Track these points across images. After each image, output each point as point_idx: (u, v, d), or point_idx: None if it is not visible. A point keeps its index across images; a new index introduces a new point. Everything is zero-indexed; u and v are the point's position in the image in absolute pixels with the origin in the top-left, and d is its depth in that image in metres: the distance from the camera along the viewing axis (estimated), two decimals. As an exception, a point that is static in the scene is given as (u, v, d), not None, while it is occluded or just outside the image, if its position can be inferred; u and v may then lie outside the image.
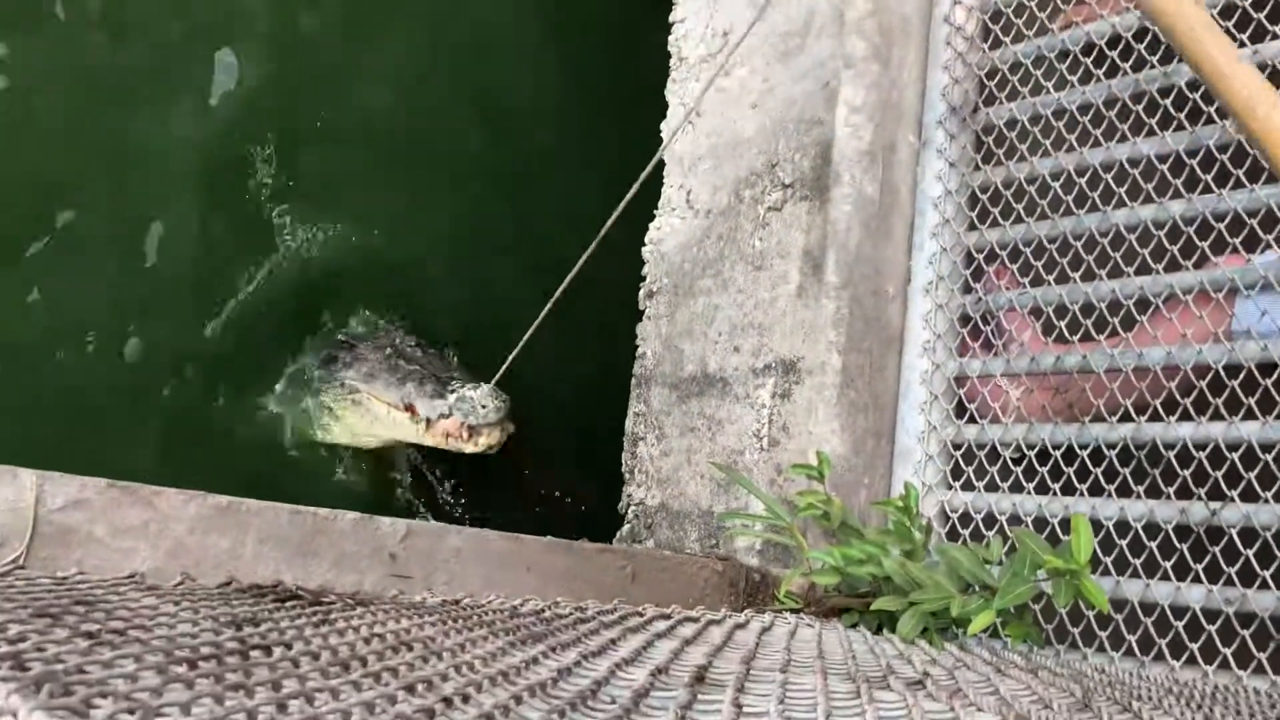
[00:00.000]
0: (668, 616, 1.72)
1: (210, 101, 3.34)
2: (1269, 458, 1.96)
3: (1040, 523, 2.24)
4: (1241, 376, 2.05)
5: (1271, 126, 1.19)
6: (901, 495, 2.26)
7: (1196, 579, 2.01)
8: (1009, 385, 2.43)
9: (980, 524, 2.35)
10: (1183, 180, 2.23)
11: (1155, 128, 2.30)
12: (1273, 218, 2.09)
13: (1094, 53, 2.45)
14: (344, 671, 0.92)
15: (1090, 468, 2.22)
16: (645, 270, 2.98)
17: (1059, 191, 2.43)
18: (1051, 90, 2.50)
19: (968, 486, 2.40)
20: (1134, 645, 2.04)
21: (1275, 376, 2.02)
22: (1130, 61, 2.36)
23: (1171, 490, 2.09)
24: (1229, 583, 1.96)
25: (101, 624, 0.99)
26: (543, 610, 1.58)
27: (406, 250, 3.61)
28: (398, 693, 0.84)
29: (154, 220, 3.20)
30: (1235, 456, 2.01)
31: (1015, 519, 2.29)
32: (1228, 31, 2.13)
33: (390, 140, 3.66)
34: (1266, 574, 1.92)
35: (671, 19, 3.04)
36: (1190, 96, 2.23)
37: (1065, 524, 2.18)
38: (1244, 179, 2.13)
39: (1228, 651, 1.91)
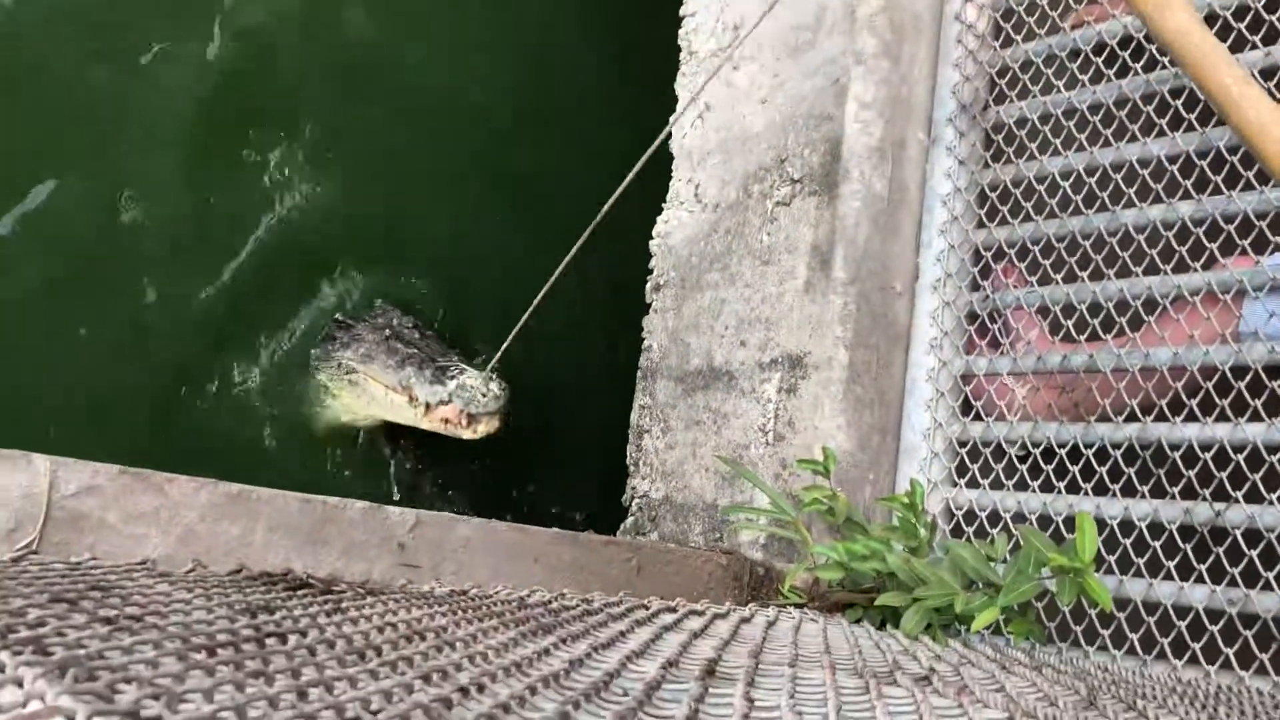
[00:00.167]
0: (673, 610, 1.73)
1: (210, 82, 3.33)
2: (1274, 459, 1.97)
3: (1045, 521, 2.25)
4: (1248, 378, 2.06)
5: None
6: (907, 492, 2.26)
7: (1200, 579, 2.02)
8: (1015, 383, 2.44)
9: (985, 521, 2.35)
10: (1192, 181, 2.23)
11: (1165, 128, 2.30)
12: (1282, 220, 2.10)
13: (1105, 52, 2.45)
14: (360, 660, 0.93)
15: (1095, 467, 2.23)
16: (652, 263, 2.99)
17: (1068, 190, 2.44)
18: (1062, 89, 2.50)
19: (973, 484, 2.41)
20: (1136, 644, 2.05)
21: (1282, 379, 2.03)
22: (1142, 62, 2.36)
23: (1176, 490, 2.10)
24: (1232, 583, 1.97)
25: (118, 610, 1.00)
26: (550, 601, 1.59)
27: (408, 233, 3.61)
28: (414, 682, 0.85)
29: (144, 193, 3.19)
30: (1240, 458, 2.02)
31: (1020, 517, 2.29)
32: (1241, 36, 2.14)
33: (395, 120, 3.65)
34: (1270, 575, 1.93)
35: (682, 12, 3.04)
36: (1201, 98, 2.22)
37: (1069, 522, 2.19)
38: (1254, 181, 2.14)
39: (1230, 652, 1.92)
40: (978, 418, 2.50)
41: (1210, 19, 2.26)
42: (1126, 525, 2.14)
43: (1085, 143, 2.44)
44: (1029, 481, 2.31)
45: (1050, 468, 2.29)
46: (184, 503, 1.54)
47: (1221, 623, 1.96)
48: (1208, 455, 2.07)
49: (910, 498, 2.21)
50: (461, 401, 2.96)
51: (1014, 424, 2.37)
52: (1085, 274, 2.36)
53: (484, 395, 2.95)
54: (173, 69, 3.26)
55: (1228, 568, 1.98)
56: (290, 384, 3.33)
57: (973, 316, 2.55)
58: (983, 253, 2.56)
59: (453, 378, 2.99)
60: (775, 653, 1.39)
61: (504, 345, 2.86)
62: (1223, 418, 2.07)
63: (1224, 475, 2.02)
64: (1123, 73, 2.40)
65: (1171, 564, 2.05)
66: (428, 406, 3.03)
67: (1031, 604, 2.03)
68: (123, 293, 3.11)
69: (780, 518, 2.29)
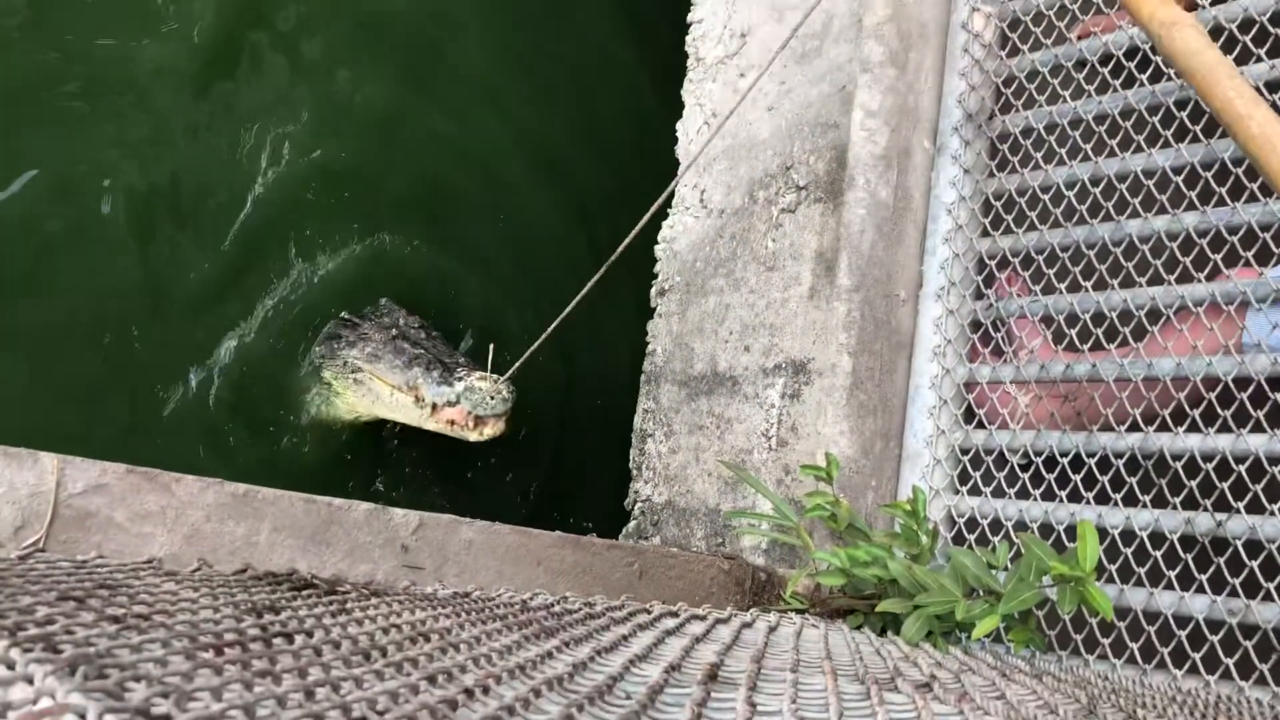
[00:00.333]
0: (676, 614, 1.74)
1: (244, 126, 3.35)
2: (1276, 471, 1.97)
3: (1046, 529, 2.25)
4: (1251, 389, 2.07)
5: None
6: (909, 499, 2.27)
7: (1200, 589, 2.02)
8: (1018, 392, 2.45)
9: (986, 529, 2.36)
10: (1197, 193, 2.24)
11: (1171, 139, 2.31)
12: (1286, 232, 2.10)
13: (1111, 63, 2.45)
14: (365, 661, 0.94)
15: (1097, 476, 2.23)
16: (657, 268, 3.00)
17: (1073, 200, 2.44)
18: (1068, 99, 2.51)
19: (975, 491, 2.41)
20: (1136, 653, 2.05)
21: (1284, 390, 2.03)
22: (1147, 73, 2.36)
23: (1178, 500, 2.10)
24: (1233, 594, 1.98)
25: (126, 608, 1.01)
26: (553, 605, 1.60)
27: (414, 238, 3.62)
28: (420, 683, 0.86)
29: (151, 199, 3.20)
30: (1242, 469, 2.03)
31: (1021, 525, 2.30)
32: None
33: (400, 129, 3.67)
34: (1270, 586, 1.93)
35: (689, 19, 3.05)
36: (1206, 110, 2.23)
37: (1071, 531, 2.19)
38: (1258, 193, 2.14)
39: (1230, 662, 1.93)
40: (980, 425, 2.50)
41: (1215, 32, 2.27)
42: (1128, 534, 2.14)
43: (1090, 153, 2.44)
44: (1031, 490, 2.32)
45: (1052, 476, 2.29)
46: (190, 502, 1.55)
47: (1222, 633, 1.96)
48: (1210, 466, 2.07)
49: (912, 505, 2.21)
50: (470, 403, 2.96)
51: (1016, 432, 2.38)
52: (1089, 284, 2.37)
53: (492, 398, 2.95)
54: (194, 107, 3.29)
55: (1228, 578, 1.98)
56: (293, 381, 3.34)
57: (976, 324, 2.55)
58: (987, 261, 2.57)
59: (460, 379, 2.99)
60: (777, 658, 1.40)
61: (520, 360, 2.87)
62: (1225, 428, 2.07)
63: (1226, 486, 2.03)
64: (1128, 83, 2.41)
65: (1172, 574, 2.05)
66: (434, 407, 3.04)
67: (1032, 612, 2.04)
68: (125, 292, 3.12)
69: (782, 523, 2.30)
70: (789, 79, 2.75)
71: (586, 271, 2.63)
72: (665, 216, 3.01)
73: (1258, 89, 2.12)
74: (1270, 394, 2.04)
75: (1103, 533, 2.12)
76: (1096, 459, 2.25)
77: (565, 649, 1.20)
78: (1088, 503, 2.23)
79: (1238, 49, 2.23)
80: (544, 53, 4.02)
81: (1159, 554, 2.08)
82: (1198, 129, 2.25)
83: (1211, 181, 2.22)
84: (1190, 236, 2.24)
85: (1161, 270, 2.26)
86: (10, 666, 0.71)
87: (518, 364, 2.91)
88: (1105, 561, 2.08)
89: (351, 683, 0.84)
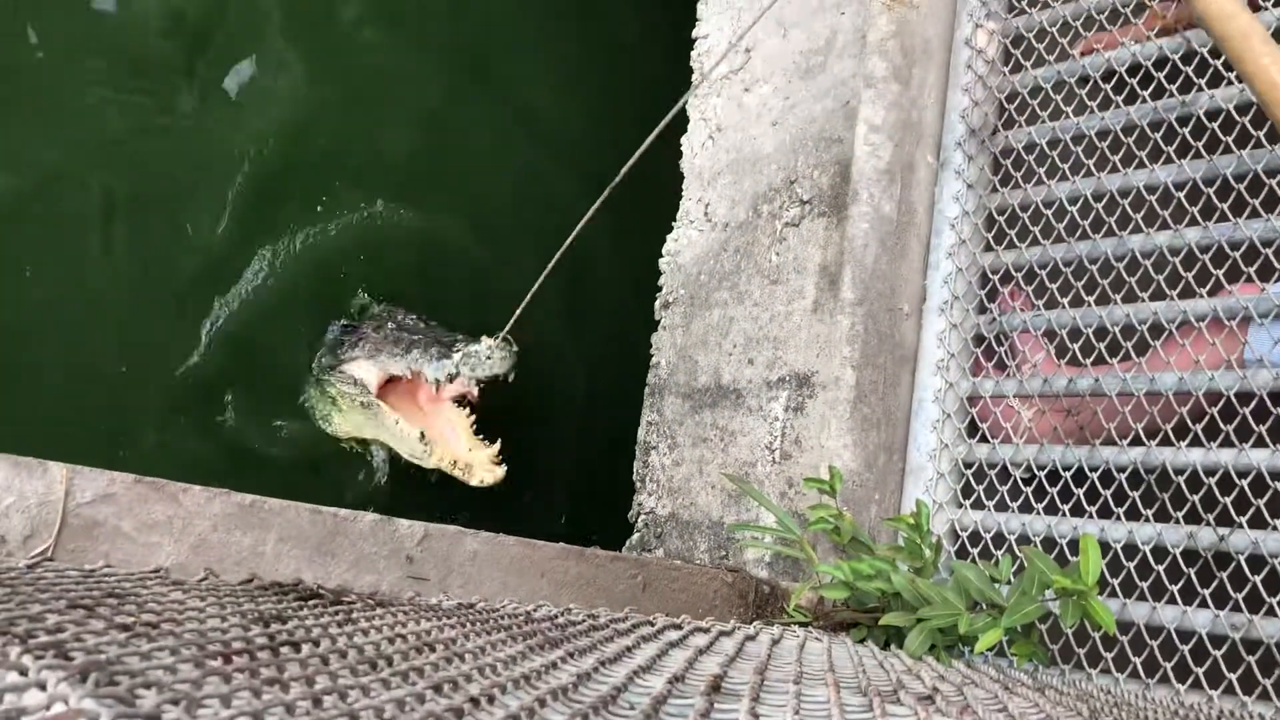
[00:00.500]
0: (679, 626, 1.75)
1: (231, 98, 3.37)
2: (1278, 485, 1.98)
3: (1049, 543, 2.26)
4: (1253, 404, 2.07)
5: None
6: (912, 512, 2.27)
7: (1203, 604, 2.02)
8: (1021, 406, 2.45)
9: (990, 543, 2.36)
10: (1199, 208, 2.24)
11: (1173, 155, 2.32)
12: (1288, 247, 2.11)
13: (1114, 79, 2.47)
14: (372, 670, 0.95)
15: (1100, 490, 2.24)
16: (662, 281, 3.01)
17: (1075, 215, 2.45)
18: (1071, 115, 2.52)
19: (978, 505, 2.42)
20: (1139, 667, 2.05)
21: (1287, 405, 2.04)
22: (1150, 89, 2.38)
23: (1180, 515, 2.11)
24: (1236, 608, 1.98)
25: (134, 616, 1.01)
26: (556, 616, 1.61)
27: (412, 244, 3.63)
28: (426, 691, 0.87)
29: (153, 211, 3.22)
30: (1245, 483, 2.03)
31: (1024, 539, 2.30)
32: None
33: (399, 135, 3.68)
34: (1273, 601, 1.93)
35: (694, 34, 3.07)
36: (1209, 126, 2.25)
37: (1074, 545, 2.20)
38: (1260, 208, 2.15)
39: (1233, 677, 1.93)
40: (984, 439, 2.51)
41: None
42: (1130, 549, 2.15)
43: (1093, 168, 2.45)
44: (1034, 504, 2.32)
45: (1055, 490, 2.30)
46: (197, 512, 1.56)
47: (1225, 647, 1.96)
48: (1212, 480, 2.07)
49: (916, 518, 2.22)
50: (469, 368, 2.94)
51: (1019, 446, 2.38)
52: (1091, 298, 2.38)
53: (489, 358, 2.92)
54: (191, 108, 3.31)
55: (1231, 593, 1.98)
56: (298, 393, 3.35)
57: (979, 339, 2.56)
58: (990, 276, 2.58)
59: (458, 350, 2.98)
60: (780, 670, 1.40)
61: (513, 317, 2.82)
62: (1227, 443, 2.08)
63: (1228, 500, 2.03)
64: (1131, 99, 2.42)
65: (1175, 588, 2.06)
66: (438, 386, 3.03)
67: (1035, 626, 2.04)
68: (127, 312, 3.14)
69: (786, 536, 2.31)
70: (793, 94, 2.76)
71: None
72: (670, 229, 3.02)
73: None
74: (1272, 409, 2.05)
75: (1105, 547, 2.12)
76: (1099, 473, 2.25)
77: (569, 660, 1.20)
78: (1090, 517, 2.24)
79: None
80: (548, 67, 4.04)
81: (1161, 568, 2.09)
82: (1200, 145, 2.26)
83: (1214, 197, 2.23)
84: (1192, 252, 2.25)
85: (1164, 285, 2.27)
86: (23, 673, 0.72)
87: (510, 321, 2.85)
88: (1108, 575, 2.08)
89: (358, 691, 0.85)
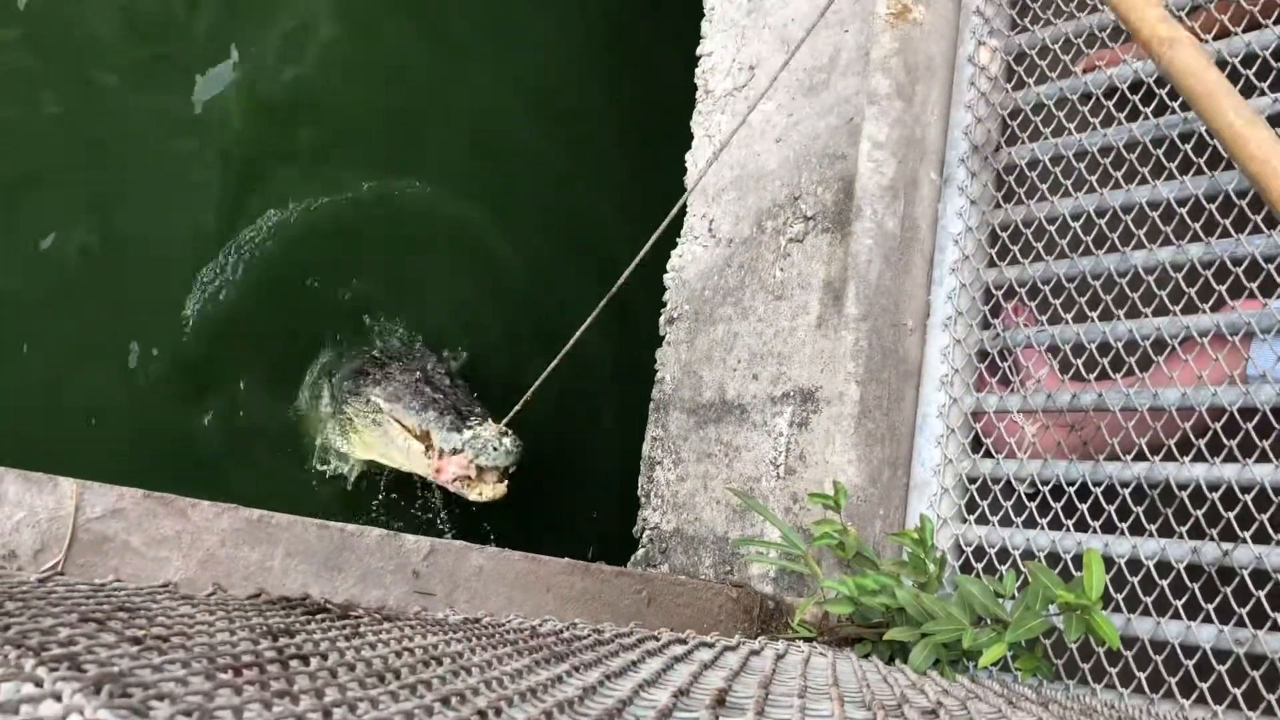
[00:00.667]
0: (684, 641, 1.75)
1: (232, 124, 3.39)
2: (1282, 500, 1.98)
3: (1053, 558, 2.26)
4: (1256, 419, 2.08)
5: None
6: (917, 527, 2.28)
7: (1207, 619, 2.03)
8: (1025, 421, 2.46)
9: (994, 558, 2.37)
10: (1201, 224, 2.25)
11: (1175, 172, 2.33)
12: (1290, 263, 2.12)
13: (1116, 96, 2.48)
14: (380, 683, 0.96)
15: (1104, 505, 2.24)
16: (666, 296, 3.02)
17: (1078, 231, 2.46)
18: (1073, 131, 2.54)
19: (982, 520, 2.42)
20: (1144, 682, 2.05)
21: (1290, 420, 2.05)
22: (1152, 106, 2.39)
23: (1184, 530, 2.11)
24: (1240, 623, 1.98)
25: (145, 630, 1.03)
26: (562, 631, 1.61)
27: (436, 272, 3.66)
28: (434, 704, 0.88)
29: (177, 222, 3.25)
30: (1248, 498, 2.03)
31: (1028, 554, 2.31)
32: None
33: (417, 164, 3.71)
34: (1277, 616, 1.93)
35: (699, 52, 3.09)
36: (1210, 142, 2.26)
37: (1078, 560, 2.20)
38: (1262, 224, 2.16)
39: (1238, 692, 1.93)
40: (988, 454, 2.51)
41: (1219, 64, 2.30)
42: (1134, 564, 2.15)
43: (1095, 184, 2.47)
44: (1038, 519, 2.33)
45: (1059, 505, 2.30)
46: (205, 527, 1.57)
47: (1229, 663, 1.96)
48: (1215, 495, 2.08)
49: (920, 533, 2.22)
50: (473, 451, 3.00)
51: (1023, 461, 2.39)
52: (1095, 314, 2.39)
53: (495, 449, 3.00)
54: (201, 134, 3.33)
55: (1235, 608, 1.98)
56: (317, 412, 3.37)
57: (983, 354, 2.57)
58: (993, 291, 2.59)
59: (470, 428, 3.04)
60: (784, 684, 1.41)
61: (516, 407, 2.90)
62: (1230, 458, 2.08)
63: (1231, 515, 2.03)
64: (1133, 116, 2.44)
65: (1179, 603, 2.06)
66: (441, 453, 3.08)
67: (1039, 640, 2.04)
68: (154, 323, 3.16)
69: (791, 551, 2.31)
70: (797, 111, 2.78)
71: (594, 304, 2.65)
72: (674, 245, 3.04)
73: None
74: (1275, 424, 2.05)
75: (1109, 561, 2.13)
76: (1103, 488, 2.26)
77: (575, 674, 1.21)
78: (1094, 531, 2.24)
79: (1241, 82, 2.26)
80: (551, 85, 4.07)
81: (1165, 583, 2.09)
82: (1202, 161, 2.27)
83: (1216, 213, 2.24)
84: (1195, 267, 2.25)
85: (1167, 301, 2.28)
86: (39, 684, 0.74)
87: (513, 410, 2.94)
88: (1112, 590, 2.09)
89: (367, 703, 0.86)
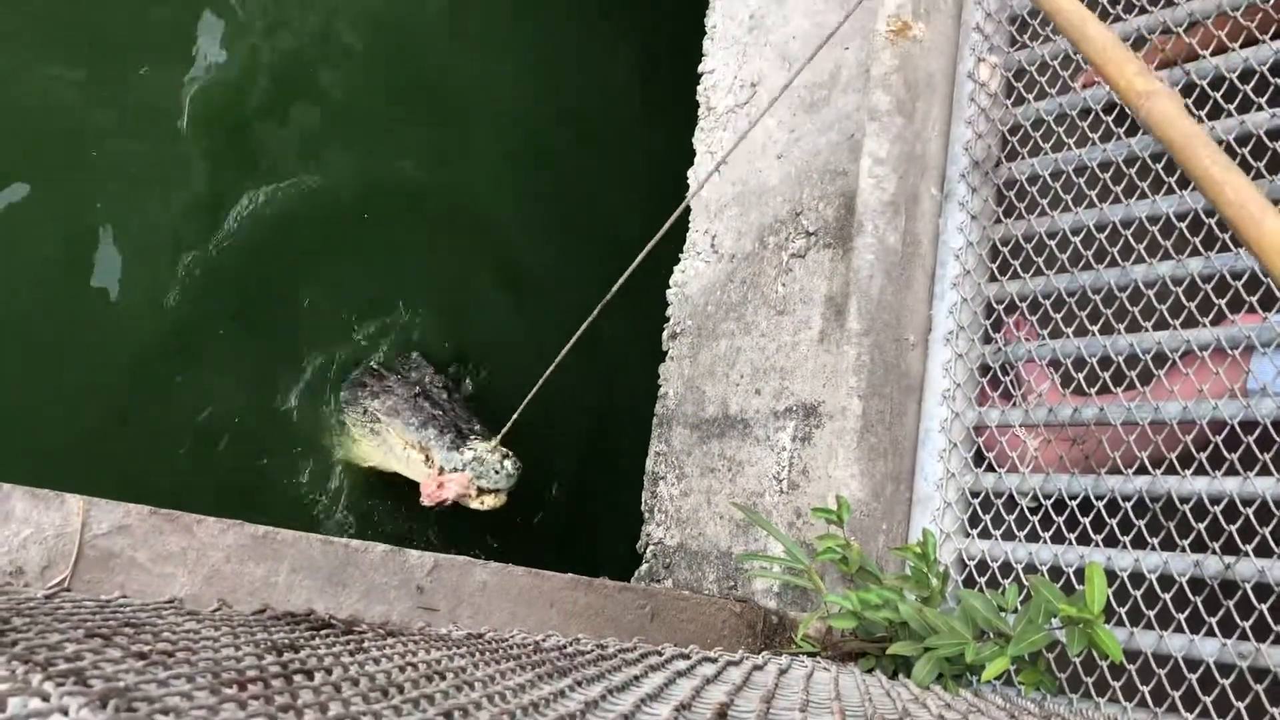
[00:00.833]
0: (687, 656, 1.76)
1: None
2: (1283, 514, 1.99)
3: (1056, 572, 2.26)
4: (1257, 433, 2.08)
5: (1264, 232, 1.26)
6: (919, 541, 2.28)
7: (1210, 632, 2.03)
8: (1027, 435, 2.46)
9: (997, 572, 2.37)
10: (1201, 238, 2.26)
11: (1174, 186, 2.34)
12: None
13: (1115, 111, 2.49)
14: (384, 698, 0.96)
15: (1106, 519, 2.25)
16: (669, 312, 3.03)
17: (1079, 246, 2.47)
18: (1073, 147, 2.55)
19: (985, 534, 2.42)
20: (1147, 696, 2.05)
21: (1291, 433, 2.05)
22: (1150, 121, 2.40)
23: (1186, 543, 2.11)
24: (1243, 637, 1.98)
25: (150, 645, 1.04)
26: (565, 646, 1.62)
27: (438, 289, 3.68)
28: (437, 718, 0.89)
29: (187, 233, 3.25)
30: (1250, 511, 2.04)
31: (1031, 568, 2.31)
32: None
33: (419, 180, 3.73)
34: (1280, 629, 1.94)
35: (701, 69, 3.11)
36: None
37: (1080, 574, 2.21)
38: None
39: (1241, 705, 1.93)
40: (990, 469, 2.52)
41: (1217, 82, 2.31)
42: (1137, 577, 2.15)
43: (1095, 199, 2.48)
44: (1040, 533, 2.33)
45: (1061, 519, 2.31)
46: (211, 543, 1.58)
47: (1232, 676, 1.96)
48: (1217, 509, 2.08)
49: (923, 547, 2.23)
50: (475, 473, 3.01)
51: (1026, 475, 2.39)
52: (1096, 328, 2.39)
53: (496, 472, 3.01)
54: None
55: (1238, 621, 1.98)
56: (313, 422, 3.38)
57: (985, 368, 2.58)
58: (995, 306, 2.59)
59: (471, 449, 3.05)
60: (787, 699, 1.42)
61: (511, 420, 2.91)
62: (1232, 472, 2.09)
63: (1233, 529, 2.04)
64: (1132, 131, 2.45)
65: (1182, 616, 2.06)
66: (441, 470, 3.09)
67: (1042, 654, 2.05)
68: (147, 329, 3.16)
69: (794, 566, 2.32)
70: (798, 127, 2.80)
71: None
72: (677, 261, 3.05)
73: (1229, 145, 2.18)
74: (1276, 437, 2.05)
75: (1111, 575, 2.13)
76: (1105, 501, 2.26)
77: (577, 688, 1.22)
78: (1096, 545, 2.24)
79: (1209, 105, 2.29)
80: (553, 100, 4.09)
81: (1168, 596, 2.09)
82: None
83: (1215, 228, 2.25)
84: (1195, 281, 2.26)
85: (1167, 315, 2.28)
86: (45, 699, 0.75)
87: (507, 424, 2.95)
88: (1114, 604, 2.09)
89: (371, 718, 0.87)
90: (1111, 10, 2.55)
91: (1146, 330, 2.31)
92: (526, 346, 3.70)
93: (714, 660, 1.77)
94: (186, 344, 3.20)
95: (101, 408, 3.05)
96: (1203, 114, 2.29)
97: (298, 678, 0.99)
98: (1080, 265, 2.47)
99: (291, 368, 3.38)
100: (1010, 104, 2.70)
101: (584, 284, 3.53)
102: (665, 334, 3.03)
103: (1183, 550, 2.11)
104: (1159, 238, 2.35)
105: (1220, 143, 2.21)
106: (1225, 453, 2.11)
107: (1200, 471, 2.14)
